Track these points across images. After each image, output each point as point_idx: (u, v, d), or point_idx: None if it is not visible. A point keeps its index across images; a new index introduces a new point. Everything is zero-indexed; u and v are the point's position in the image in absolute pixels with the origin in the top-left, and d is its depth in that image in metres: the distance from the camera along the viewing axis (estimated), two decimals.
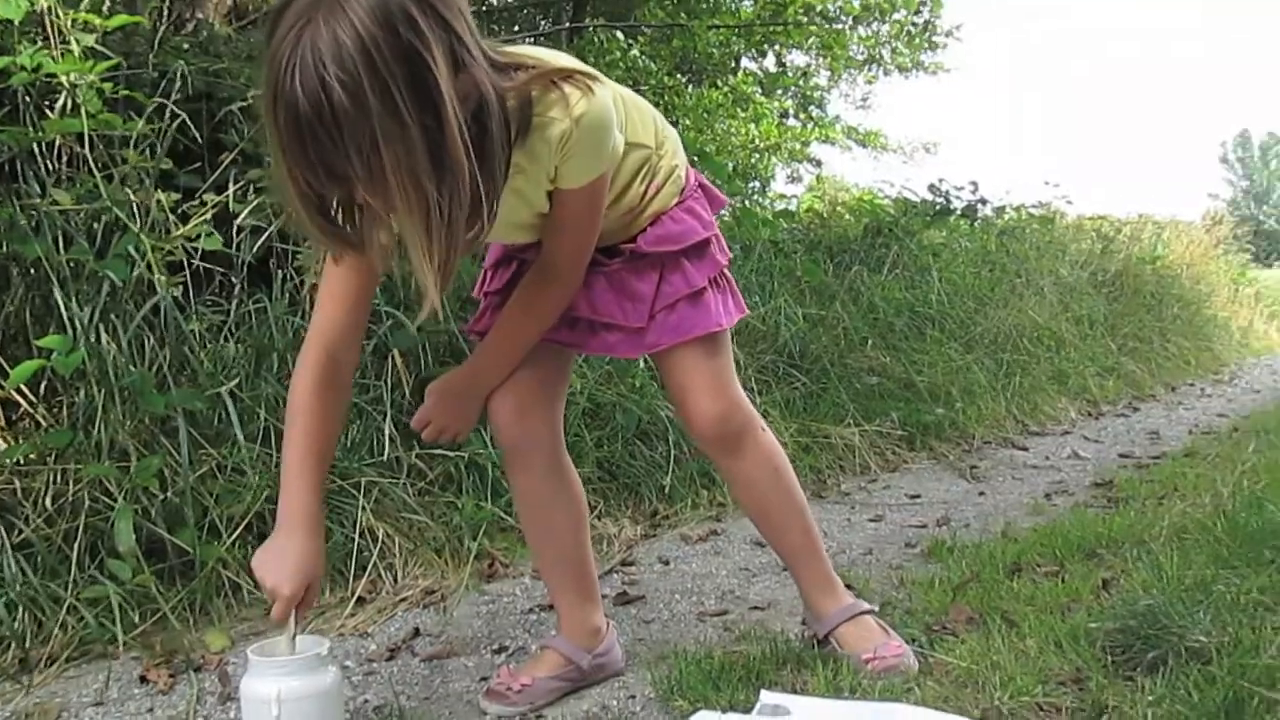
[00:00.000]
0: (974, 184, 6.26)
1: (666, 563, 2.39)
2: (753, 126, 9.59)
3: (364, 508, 2.20)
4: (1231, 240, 10.98)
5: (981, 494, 3.14)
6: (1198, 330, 7.67)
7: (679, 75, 8.79)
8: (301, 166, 1.08)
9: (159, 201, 2.35)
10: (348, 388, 1.45)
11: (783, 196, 9.08)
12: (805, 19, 8.09)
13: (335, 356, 1.38)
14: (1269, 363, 8.19)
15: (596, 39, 7.66)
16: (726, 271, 1.59)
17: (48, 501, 1.93)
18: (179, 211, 2.42)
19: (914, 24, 8.59)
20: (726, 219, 4.40)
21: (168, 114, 2.46)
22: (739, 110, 9.28)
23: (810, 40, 8.73)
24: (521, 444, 1.56)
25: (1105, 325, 6.16)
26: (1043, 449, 3.95)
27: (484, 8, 8.05)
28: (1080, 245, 7.32)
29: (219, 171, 2.57)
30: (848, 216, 5.98)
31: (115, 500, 1.94)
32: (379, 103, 1.04)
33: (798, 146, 10.85)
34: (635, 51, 7.74)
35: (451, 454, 2.45)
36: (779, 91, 10.09)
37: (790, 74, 9.92)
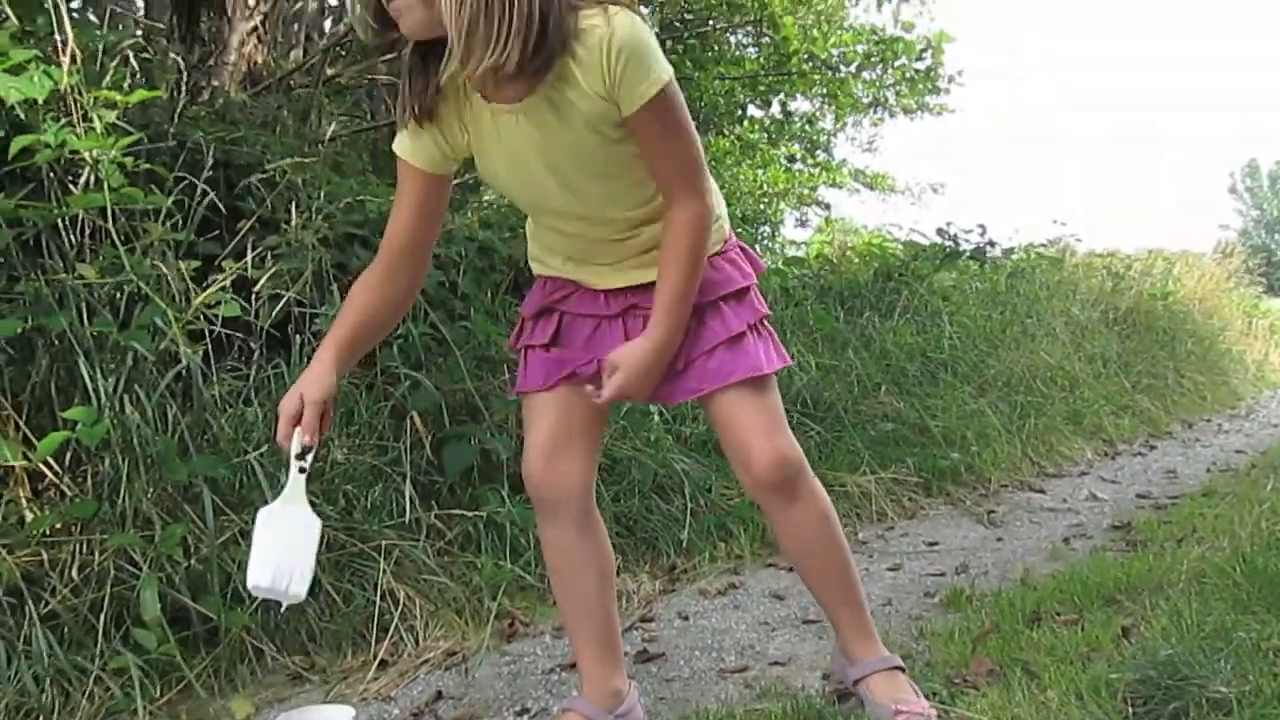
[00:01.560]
0: (982, 226, 6.30)
1: (686, 618, 2.39)
2: (760, 173, 9.67)
3: (384, 570, 2.22)
4: (1244, 272, 10.94)
5: (999, 540, 3.14)
6: (1212, 365, 7.64)
7: None
8: None
9: (180, 271, 2.40)
10: (403, 293, 1.55)
11: (793, 243, 9.14)
12: (809, 67, 8.19)
13: (394, 265, 1.51)
14: None
15: None
16: (767, 321, 1.60)
17: (74, 572, 1.96)
18: (203, 283, 2.47)
19: (915, 71, 8.66)
20: None
21: (198, 191, 2.52)
22: (746, 158, 9.36)
23: (814, 88, 8.82)
24: (551, 494, 1.58)
25: (1119, 363, 6.15)
26: (1060, 491, 3.93)
27: None
28: (1090, 283, 7.32)
29: (238, 239, 2.63)
30: (856, 261, 6.02)
31: (140, 569, 1.96)
32: None
33: (806, 191, 10.91)
34: None
35: (470, 514, 2.48)
36: (785, 137, 10.18)
37: (796, 120, 10.00)
